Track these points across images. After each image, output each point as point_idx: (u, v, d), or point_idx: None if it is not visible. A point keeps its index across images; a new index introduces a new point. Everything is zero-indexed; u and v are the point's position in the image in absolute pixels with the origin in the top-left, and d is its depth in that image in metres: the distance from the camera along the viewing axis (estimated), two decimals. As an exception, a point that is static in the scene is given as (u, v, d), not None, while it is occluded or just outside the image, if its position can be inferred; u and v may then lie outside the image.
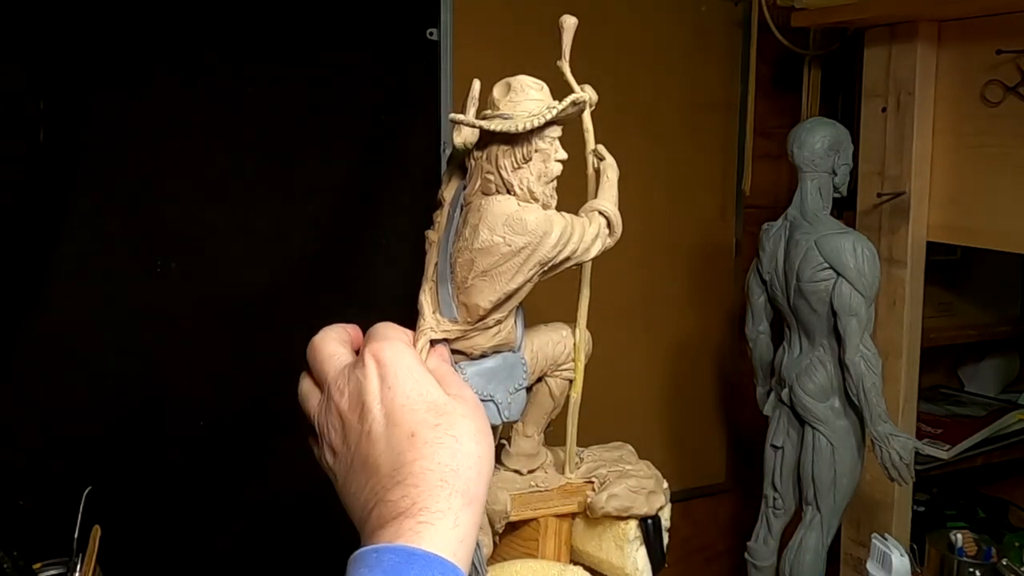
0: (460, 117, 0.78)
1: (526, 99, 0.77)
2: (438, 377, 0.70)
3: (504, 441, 1.02)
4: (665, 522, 1.06)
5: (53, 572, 1.21)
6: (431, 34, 1.54)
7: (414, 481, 0.61)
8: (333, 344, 0.71)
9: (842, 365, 1.48)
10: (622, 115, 1.75)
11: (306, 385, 0.72)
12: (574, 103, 0.78)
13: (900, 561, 1.47)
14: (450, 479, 0.61)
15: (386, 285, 1.52)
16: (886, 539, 1.50)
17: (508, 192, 0.78)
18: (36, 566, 1.21)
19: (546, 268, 0.80)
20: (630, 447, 1.11)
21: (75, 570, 1.18)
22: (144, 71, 1.34)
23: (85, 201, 1.32)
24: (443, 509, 0.60)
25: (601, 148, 0.88)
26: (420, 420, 0.63)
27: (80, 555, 1.18)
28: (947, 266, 1.94)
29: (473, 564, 0.87)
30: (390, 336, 0.70)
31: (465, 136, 0.83)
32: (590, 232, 0.82)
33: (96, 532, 1.17)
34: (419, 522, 0.59)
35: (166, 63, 1.36)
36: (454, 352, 0.82)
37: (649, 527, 1.03)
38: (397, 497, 0.60)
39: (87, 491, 1.21)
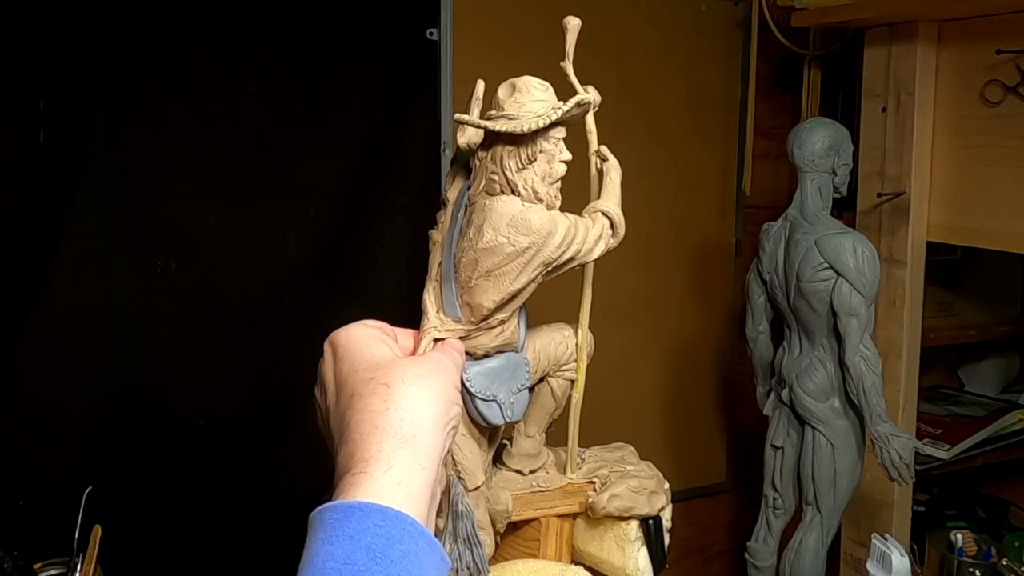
0: (465, 117, 0.78)
1: (531, 100, 0.77)
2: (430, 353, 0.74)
3: (506, 441, 1.02)
4: (666, 522, 1.06)
5: (53, 572, 1.21)
6: (431, 34, 1.54)
7: (351, 436, 0.61)
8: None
9: (842, 365, 1.48)
10: (622, 115, 1.75)
11: (315, 393, 0.74)
12: (579, 104, 0.78)
13: (900, 561, 1.47)
14: (380, 423, 0.61)
15: (386, 285, 1.52)
16: (886, 539, 1.50)
17: (512, 192, 0.79)
18: (36, 566, 1.21)
19: (550, 268, 0.80)
20: (631, 448, 1.11)
21: (75, 570, 1.18)
22: (144, 71, 1.34)
23: (85, 201, 1.32)
24: (374, 455, 0.59)
25: (604, 149, 0.89)
26: (360, 379, 0.65)
27: (80, 555, 1.18)
28: (947, 266, 1.94)
29: (475, 564, 0.87)
30: (350, 324, 0.72)
31: (469, 136, 0.83)
32: (593, 233, 0.82)
33: (96, 532, 1.17)
34: (354, 474, 0.59)
35: (166, 63, 1.35)
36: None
37: (650, 527, 1.03)
38: (341, 457, 0.61)
39: (87, 491, 1.21)
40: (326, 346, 0.70)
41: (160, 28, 1.34)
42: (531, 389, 0.93)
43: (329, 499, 0.59)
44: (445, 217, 0.84)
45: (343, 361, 0.67)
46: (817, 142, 1.51)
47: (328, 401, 0.67)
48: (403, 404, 0.62)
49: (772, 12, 1.85)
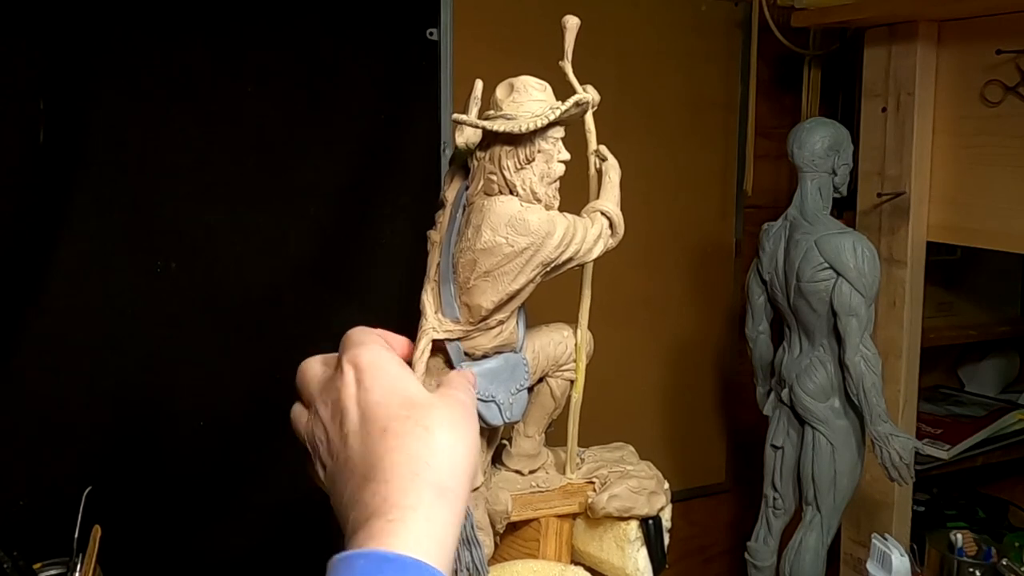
0: (463, 117, 0.77)
1: (529, 100, 0.77)
2: (443, 386, 0.69)
3: (505, 441, 1.02)
4: (666, 522, 1.06)
5: (53, 572, 1.21)
6: (431, 34, 1.54)
7: (384, 476, 0.59)
8: (318, 364, 0.71)
9: (842, 365, 1.48)
10: (622, 115, 1.75)
11: (296, 407, 0.71)
12: (577, 104, 0.78)
13: (900, 561, 1.47)
14: (421, 471, 0.59)
15: (386, 285, 1.52)
16: (886, 539, 1.50)
17: (511, 193, 0.78)
18: (36, 566, 1.21)
19: (548, 269, 0.80)
20: (631, 448, 1.11)
21: (75, 570, 1.18)
22: (144, 71, 1.34)
23: (85, 201, 1.32)
24: (413, 504, 0.57)
25: (603, 149, 0.88)
26: (392, 415, 0.62)
27: (80, 555, 1.18)
28: (947, 266, 1.94)
29: (475, 564, 0.87)
30: (366, 341, 0.68)
31: (467, 136, 0.83)
32: (592, 233, 0.82)
33: (96, 532, 1.17)
34: (390, 520, 0.56)
35: (166, 63, 1.35)
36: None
37: (650, 527, 1.03)
38: (369, 496, 0.59)
39: (87, 491, 1.21)
40: (346, 367, 0.66)
41: (160, 28, 1.34)
42: (530, 389, 0.93)
43: (344, 544, 0.57)
44: (443, 217, 0.84)
45: (371, 391, 0.63)
46: (817, 142, 1.51)
47: (347, 428, 0.63)
48: (443, 453, 0.60)
49: (772, 12, 1.85)
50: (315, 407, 0.68)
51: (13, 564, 1.17)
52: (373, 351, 0.67)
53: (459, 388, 0.69)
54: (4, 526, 1.25)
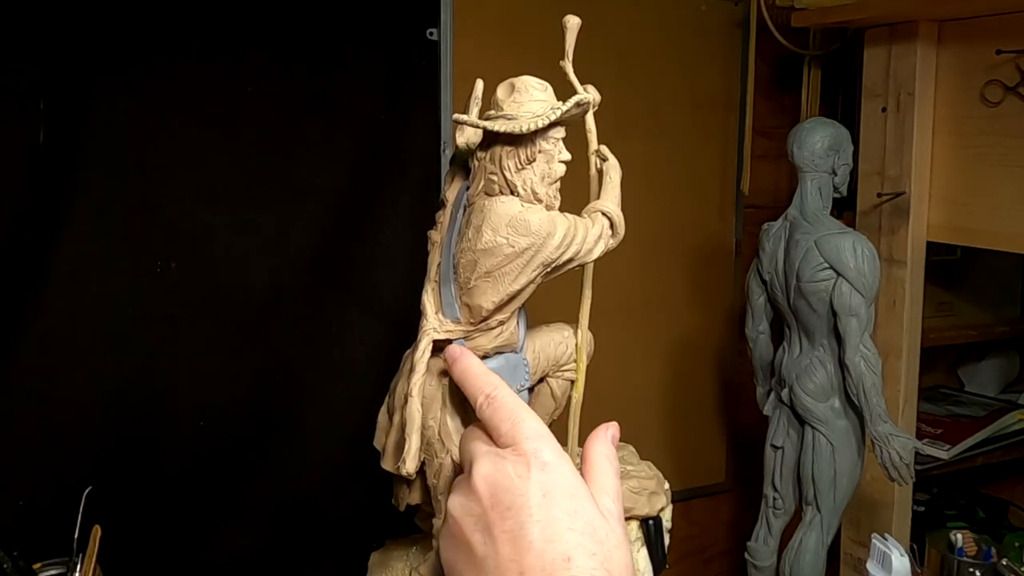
0: (464, 117, 0.77)
1: (530, 100, 0.77)
2: (587, 476, 0.65)
3: (505, 441, 1.01)
4: (666, 523, 1.06)
5: (53, 572, 1.21)
6: (431, 34, 1.54)
7: None
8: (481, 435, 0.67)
9: (842, 365, 1.48)
10: (621, 115, 1.75)
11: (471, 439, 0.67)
12: (578, 104, 0.78)
13: (900, 561, 1.47)
14: None
15: (386, 285, 1.52)
16: (886, 539, 1.50)
17: (511, 193, 0.78)
18: (36, 566, 1.21)
19: (549, 269, 0.80)
20: (631, 448, 1.11)
21: (75, 570, 1.18)
22: (144, 71, 1.34)
23: (85, 201, 1.32)
24: None
25: (604, 149, 0.88)
26: (576, 543, 0.58)
27: (80, 555, 1.18)
28: (947, 266, 1.94)
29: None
30: (542, 434, 0.64)
31: (468, 136, 0.83)
32: (593, 233, 0.82)
33: (96, 532, 1.17)
34: None
35: (166, 63, 1.35)
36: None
37: (650, 528, 1.03)
38: None
39: (87, 491, 1.21)
40: (530, 459, 0.62)
41: (160, 28, 1.34)
42: (531, 390, 0.93)
43: None
44: (444, 217, 0.84)
45: (551, 499, 0.60)
46: (817, 142, 1.51)
47: (517, 529, 0.60)
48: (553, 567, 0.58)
49: (772, 12, 1.85)
50: (473, 481, 0.63)
51: (13, 564, 1.17)
52: (555, 450, 0.63)
53: (606, 488, 0.65)
54: (4, 526, 1.25)
